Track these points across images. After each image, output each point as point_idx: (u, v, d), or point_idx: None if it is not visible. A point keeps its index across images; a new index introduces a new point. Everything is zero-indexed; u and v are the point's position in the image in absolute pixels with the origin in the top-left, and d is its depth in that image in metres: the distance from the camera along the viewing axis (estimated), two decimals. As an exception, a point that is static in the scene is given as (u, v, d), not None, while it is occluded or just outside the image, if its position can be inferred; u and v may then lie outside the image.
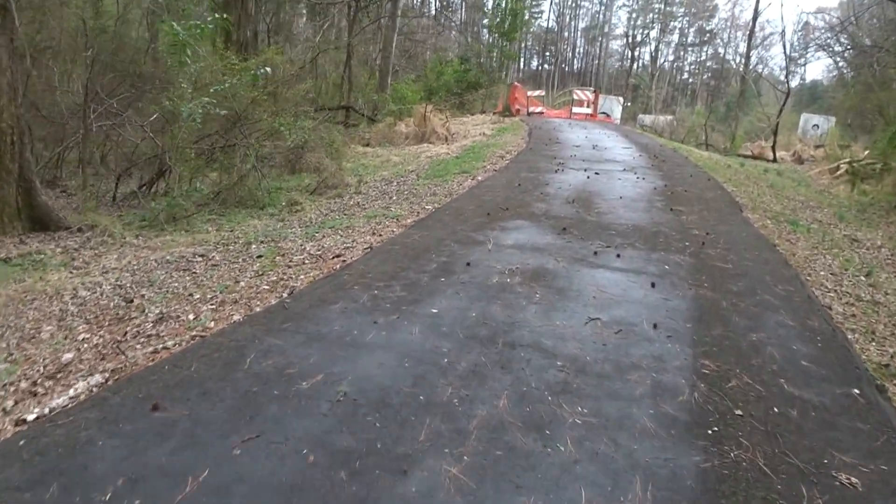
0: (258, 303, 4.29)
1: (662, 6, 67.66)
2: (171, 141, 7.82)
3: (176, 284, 4.95)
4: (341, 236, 6.35)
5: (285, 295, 4.42)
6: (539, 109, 23.29)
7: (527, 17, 57.06)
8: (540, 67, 77.45)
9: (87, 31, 8.75)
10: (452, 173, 10.36)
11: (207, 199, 8.61)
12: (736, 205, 8.69)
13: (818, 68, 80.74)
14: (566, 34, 74.78)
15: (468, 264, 5.07)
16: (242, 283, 4.79)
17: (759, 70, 49.47)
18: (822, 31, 46.56)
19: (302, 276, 4.89)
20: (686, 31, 71.88)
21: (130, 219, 7.41)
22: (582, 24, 77.14)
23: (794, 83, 56.17)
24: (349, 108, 18.24)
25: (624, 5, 72.03)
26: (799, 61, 49.58)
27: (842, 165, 18.14)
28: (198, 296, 4.56)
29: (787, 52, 26.81)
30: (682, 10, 69.52)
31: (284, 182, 10.87)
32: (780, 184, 13.37)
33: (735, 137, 31.75)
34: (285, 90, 11.53)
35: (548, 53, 76.59)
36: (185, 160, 7.89)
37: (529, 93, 23.71)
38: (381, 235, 6.19)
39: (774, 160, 25.42)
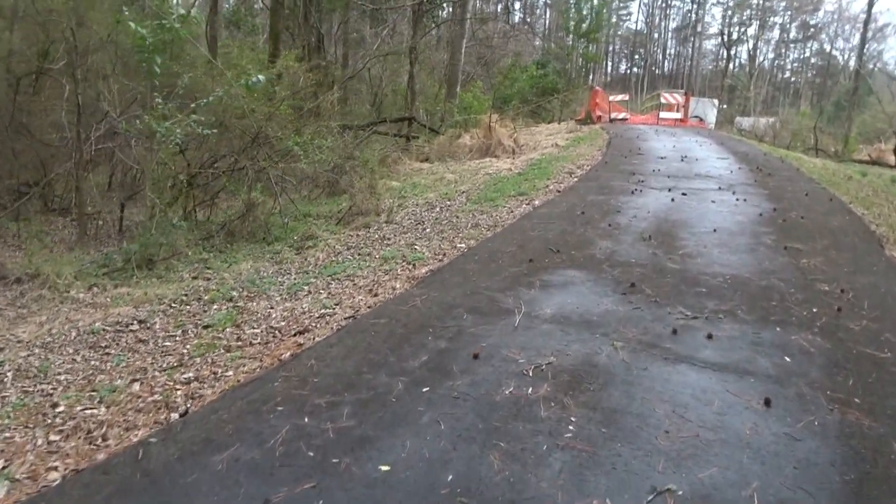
0: (119, 436, 2.75)
1: (761, 1, 63.01)
2: (151, 165, 6.52)
3: (63, 377, 3.51)
4: (330, 293, 4.77)
5: (175, 416, 2.86)
6: (622, 115, 21.08)
7: (610, 18, 54.27)
8: (628, 71, 74.11)
9: (77, 40, 7.64)
10: (507, 195, 8.63)
11: (212, 231, 7.28)
12: (873, 236, 6.50)
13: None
14: (656, 35, 71.12)
15: (475, 357, 3.34)
16: (137, 386, 3.27)
17: (873, 65, 44.64)
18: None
19: (229, 373, 3.33)
20: (788, 26, 66.71)
21: (96, 262, 6.13)
22: (673, 24, 73.24)
23: (913, 78, 50.66)
24: (411, 119, 16.78)
25: (718, 2, 67.69)
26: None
27: None
28: (60, 409, 3.07)
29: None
30: (784, 4, 64.51)
31: (319, 206, 9.48)
32: (918, 199, 10.82)
33: (848, 140, 28.26)
34: (309, 103, 10.13)
35: (637, 56, 73.18)
36: (161, 189, 6.57)
37: (612, 97, 21.54)
38: (377, 295, 4.55)
39: (893, 166, 22.15)
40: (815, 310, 4.15)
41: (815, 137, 22.70)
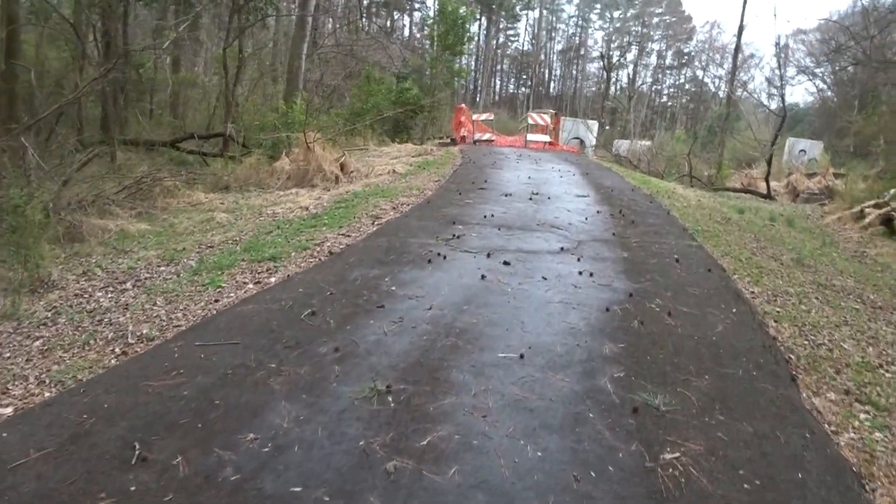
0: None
1: (640, 28, 63.81)
2: None
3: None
4: None
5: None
6: (487, 137, 18.56)
7: (488, 34, 52.57)
8: (516, 91, 73.31)
9: None
10: (250, 260, 5.54)
11: None
12: (777, 357, 3.88)
13: (797, 92, 77.10)
14: (542, 56, 70.69)
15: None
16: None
17: (740, 93, 45.20)
18: (803, 54, 42.53)
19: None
20: (664, 53, 68.02)
21: None
22: (558, 47, 73.19)
23: (773, 106, 52.13)
24: (224, 136, 13.33)
25: (601, 27, 68.16)
26: (779, 84, 45.46)
27: (867, 210, 13.54)
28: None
29: (782, 68, 22.40)
30: (660, 32, 65.68)
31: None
32: (804, 249, 8.72)
33: (721, 166, 27.19)
34: None
35: (524, 76, 72.50)
36: None
37: (475, 116, 18.97)
38: None
39: (769, 195, 20.88)
40: None
41: (689, 165, 21.09)
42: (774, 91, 35.03)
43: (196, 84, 17.74)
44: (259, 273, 5.15)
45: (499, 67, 74.89)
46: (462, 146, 17.25)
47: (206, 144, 13.92)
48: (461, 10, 20.58)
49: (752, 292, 5.42)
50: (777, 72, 44.02)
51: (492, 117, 20.04)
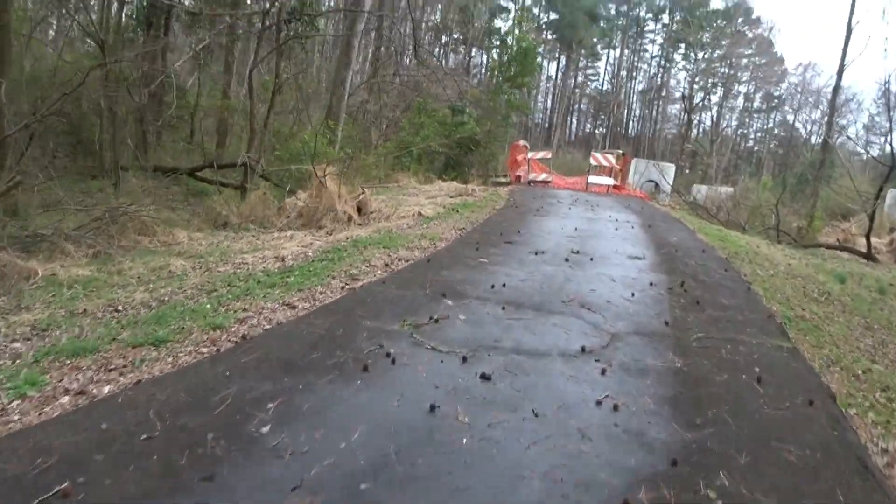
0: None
1: (726, 69, 60.33)
2: None
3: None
4: None
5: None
6: (543, 177, 16.58)
7: (541, 65, 50.58)
8: (594, 130, 70.90)
9: None
10: (139, 340, 3.86)
11: None
12: None
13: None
14: (621, 96, 68.09)
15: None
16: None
17: (837, 138, 41.31)
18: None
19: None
20: (752, 95, 64.11)
21: None
22: (639, 87, 70.43)
23: (874, 153, 47.57)
24: (245, 165, 11.93)
25: (684, 68, 65.04)
26: (878, 131, 41.33)
27: None
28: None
29: (890, 110, 19.43)
30: (748, 73, 61.95)
31: None
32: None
33: (813, 218, 24.07)
34: None
35: (602, 115, 70.07)
36: None
37: (531, 154, 17.02)
38: None
39: (870, 254, 17.81)
40: None
41: (776, 217, 18.36)
42: (873, 138, 31.43)
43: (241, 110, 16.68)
44: (109, 371, 3.42)
45: (576, 106, 72.85)
46: (515, 186, 15.38)
47: (228, 174, 12.63)
48: (527, 42, 18.88)
49: (886, 451, 3.26)
50: (882, 116, 40.01)
51: (549, 156, 18.07)
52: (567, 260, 6.92)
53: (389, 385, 3.31)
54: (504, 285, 5.57)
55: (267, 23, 12.25)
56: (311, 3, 13.81)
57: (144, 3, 12.40)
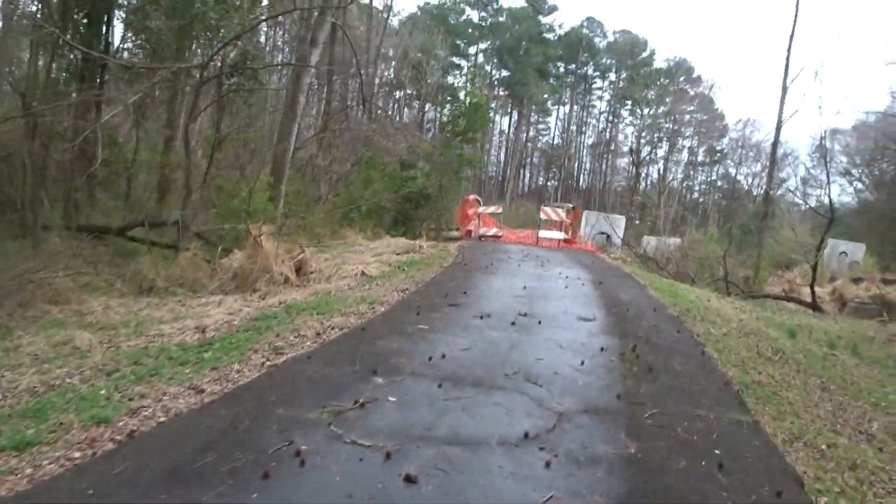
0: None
1: (671, 125, 62.44)
2: None
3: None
4: None
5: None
6: (493, 231, 16.35)
7: (492, 119, 51.36)
8: (545, 182, 72.00)
9: None
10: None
11: None
12: None
13: (832, 192, 74.33)
14: (572, 150, 69.62)
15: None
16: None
17: (778, 191, 42.72)
18: (839, 153, 40.13)
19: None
20: (696, 149, 66.35)
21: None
22: (589, 141, 72.23)
23: (811, 204, 49.35)
24: (177, 223, 11.28)
25: (631, 123, 67.12)
26: (814, 184, 42.96)
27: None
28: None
29: (827, 165, 20.05)
30: (691, 129, 64.23)
31: None
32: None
33: (759, 269, 24.39)
34: None
35: (554, 168, 71.33)
36: None
37: (482, 209, 16.83)
38: None
39: (815, 304, 18.00)
40: None
41: (724, 270, 18.45)
42: (810, 190, 32.48)
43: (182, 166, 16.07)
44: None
45: (529, 160, 74.10)
46: (465, 241, 15.06)
47: (164, 233, 11.94)
48: (477, 97, 18.92)
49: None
50: (821, 169, 41.65)
51: (499, 210, 17.89)
52: (514, 324, 6.50)
53: (292, 496, 2.77)
54: (443, 356, 5.09)
55: (207, 75, 11.80)
56: (252, 56, 13.49)
57: (75, 57, 11.84)
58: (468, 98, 19.48)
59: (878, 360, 9.85)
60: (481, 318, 6.68)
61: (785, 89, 24.05)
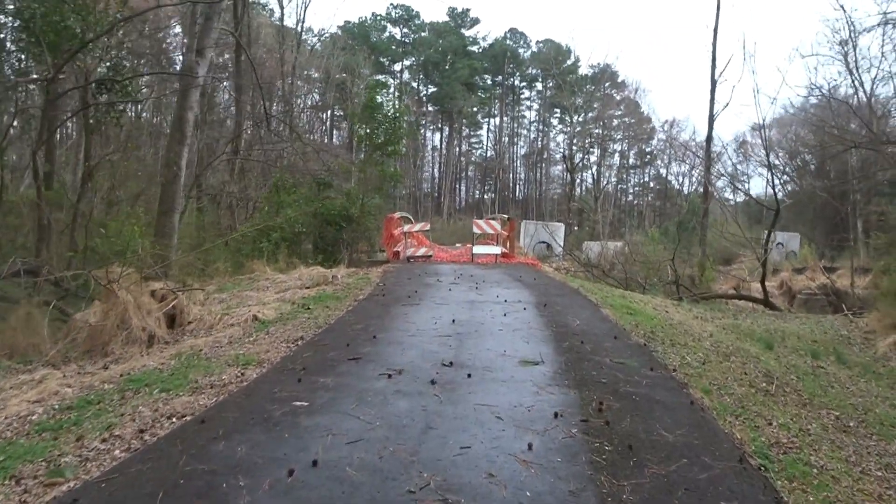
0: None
1: (600, 130, 62.34)
2: None
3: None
4: None
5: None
6: (423, 251, 14.52)
7: (418, 131, 49.97)
8: (482, 195, 70.89)
9: None
10: None
11: None
12: None
13: (756, 185, 75.99)
14: (506, 162, 68.81)
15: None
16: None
17: (718, 184, 42.51)
18: (761, 146, 40.32)
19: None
20: (626, 153, 66.57)
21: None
22: (521, 151, 71.66)
23: (741, 199, 49.68)
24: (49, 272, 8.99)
25: (562, 131, 66.86)
26: (742, 178, 42.92)
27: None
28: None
29: (769, 157, 19.18)
30: (621, 133, 64.39)
31: None
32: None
33: (704, 268, 23.34)
34: None
35: (490, 181, 70.31)
36: None
37: (407, 227, 15.00)
38: None
39: (767, 301, 16.89)
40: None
41: (674, 272, 17.18)
42: (736, 185, 31.92)
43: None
44: None
45: (464, 174, 72.93)
46: (391, 265, 13.19)
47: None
48: (390, 105, 17.16)
49: None
50: (743, 164, 41.65)
51: (427, 227, 16.07)
52: (433, 382, 4.66)
53: None
54: (314, 464, 3.21)
55: (57, 91, 9.58)
56: (128, 70, 11.33)
57: None
58: (390, 110, 17.68)
59: (866, 366, 8.51)
60: (389, 376, 4.81)
61: (714, 82, 23.29)
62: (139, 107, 21.48)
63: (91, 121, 11.09)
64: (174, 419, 4.10)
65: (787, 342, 9.65)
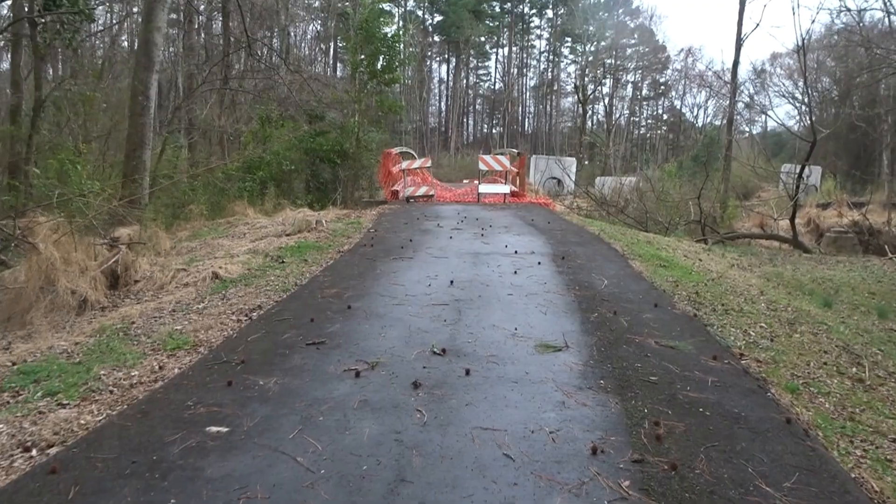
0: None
1: (613, 60, 59.11)
2: None
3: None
4: None
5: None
6: (423, 191, 12.99)
7: (419, 59, 47.34)
8: (490, 130, 68.40)
9: None
10: None
11: None
12: None
13: (778, 115, 72.72)
14: (515, 94, 65.88)
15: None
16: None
17: (743, 114, 40.20)
18: (780, 77, 37.71)
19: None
20: (640, 84, 63.44)
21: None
22: (531, 83, 68.58)
23: (756, 132, 47.29)
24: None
25: (573, 61, 63.63)
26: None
27: None
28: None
29: (807, 82, 17.18)
30: (634, 63, 61.12)
31: None
32: None
33: (727, 205, 21.72)
34: None
35: (498, 115, 67.65)
36: None
37: (405, 164, 13.39)
38: None
39: (798, 242, 15.38)
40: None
41: (700, 213, 15.60)
42: (755, 117, 29.83)
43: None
44: None
45: (471, 107, 70.18)
46: (388, 206, 11.72)
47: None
48: (388, 29, 15.27)
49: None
50: (760, 95, 39.14)
51: (428, 163, 14.41)
52: (417, 386, 3.28)
53: None
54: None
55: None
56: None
57: None
58: (389, 33, 15.75)
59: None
60: (357, 374, 3.44)
61: (743, 2, 21.04)
62: (113, 31, 19.53)
63: (39, 41, 9.46)
64: (33, 453, 2.76)
65: (841, 295, 8.24)
